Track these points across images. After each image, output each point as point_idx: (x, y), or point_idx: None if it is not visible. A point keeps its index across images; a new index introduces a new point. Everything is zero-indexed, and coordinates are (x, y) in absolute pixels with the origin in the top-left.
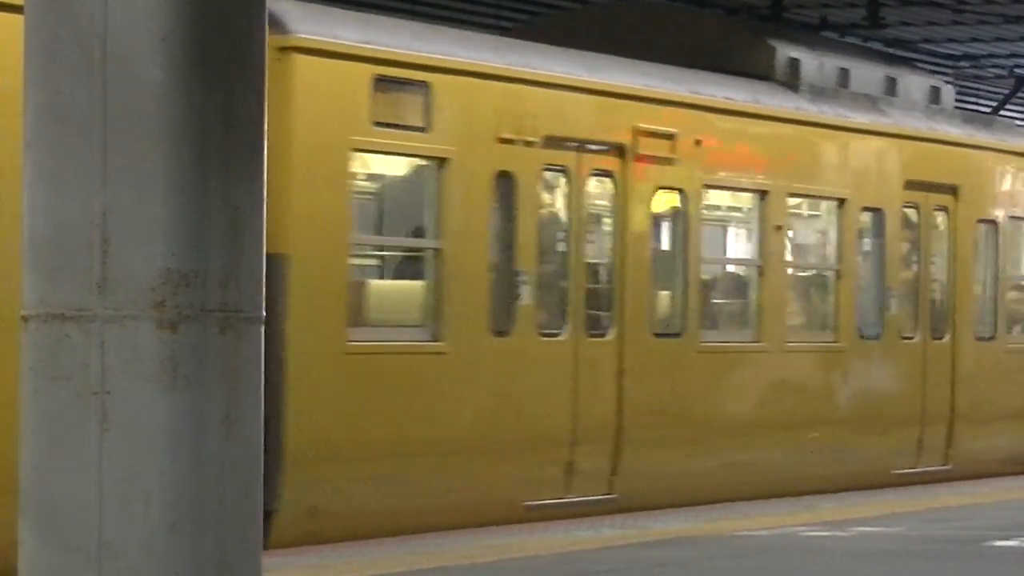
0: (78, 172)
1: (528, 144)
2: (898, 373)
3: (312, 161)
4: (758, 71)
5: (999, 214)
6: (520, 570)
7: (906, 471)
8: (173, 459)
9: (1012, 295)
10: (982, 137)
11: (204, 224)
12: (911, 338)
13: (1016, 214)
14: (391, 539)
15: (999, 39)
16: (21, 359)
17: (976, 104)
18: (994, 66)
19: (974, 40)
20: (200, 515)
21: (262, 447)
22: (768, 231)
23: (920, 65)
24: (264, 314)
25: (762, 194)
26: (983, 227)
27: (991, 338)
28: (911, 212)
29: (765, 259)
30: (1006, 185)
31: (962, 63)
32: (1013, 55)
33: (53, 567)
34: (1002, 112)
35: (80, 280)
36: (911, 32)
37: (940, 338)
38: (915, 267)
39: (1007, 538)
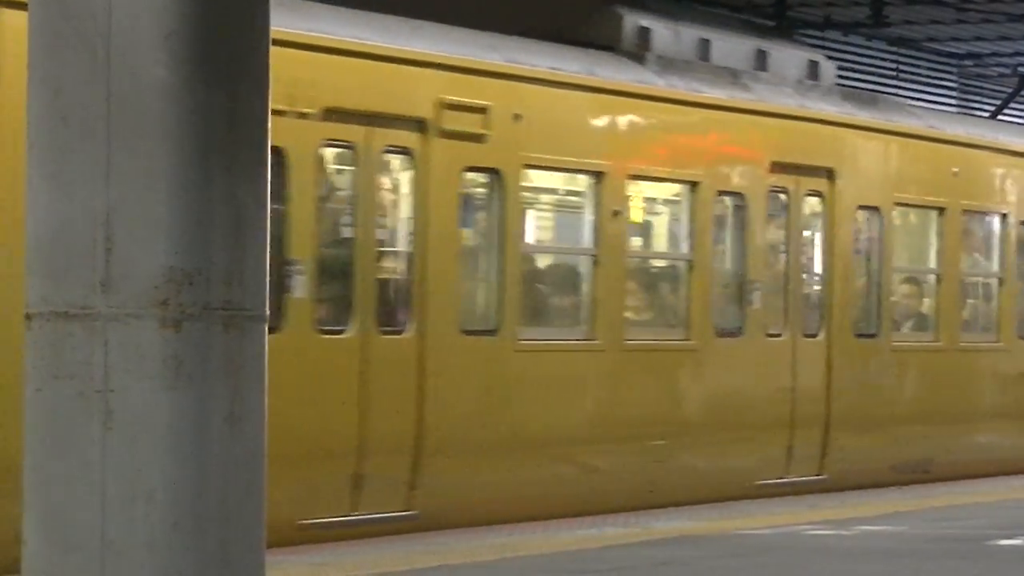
0: (81, 171)
1: (302, 116)
2: (763, 374)
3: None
4: (605, 41)
5: (884, 200)
6: (523, 569)
7: (772, 481)
8: (176, 457)
9: (901, 289)
10: (864, 116)
11: (207, 222)
12: (778, 335)
13: (904, 200)
14: (393, 537)
15: (1003, 38)
16: (24, 357)
17: (980, 103)
18: (998, 65)
19: (978, 39)
20: (203, 513)
21: (265, 445)
22: (604, 216)
23: (923, 63)
24: (268, 312)
25: (597, 175)
26: (864, 214)
27: (874, 336)
28: (779, 197)
29: (601, 247)
30: (892, 168)
31: (966, 62)
32: (1017, 54)
33: (56, 565)
34: (1006, 111)
35: (83, 279)
36: (915, 31)
37: (814, 335)
38: (784, 257)
39: (1010, 537)
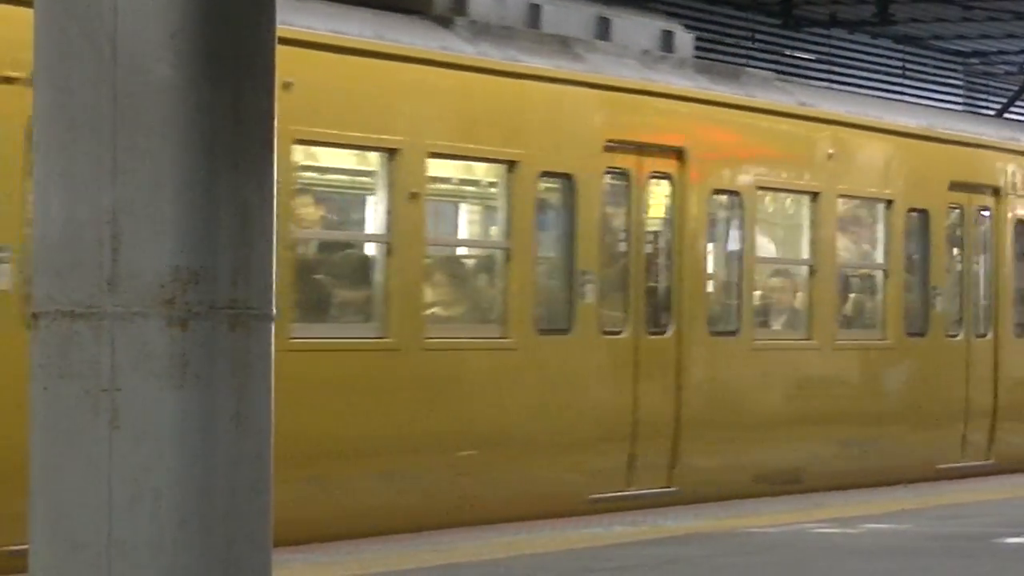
0: (87, 170)
1: (8, 81)
2: (597, 376)
3: None
4: (417, 5)
5: (745, 183)
6: (531, 567)
7: (611, 495)
8: (183, 456)
9: (769, 282)
10: (722, 91)
11: (213, 221)
12: (618, 333)
13: (769, 184)
14: (400, 536)
15: (1009, 35)
16: (30, 356)
17: (986, 101)
18: (1004, 63)
19: (984, 37)
20: (210, 512)
21: (272, 444)
22: (399, 199)
23: (929, 62)
24: (274, 311)
25: (390, 153)
26: (722, 199)
27: (734, 333)
28: (616, 179)
29: (395, 234)
30: (756, 149)
31: (972, 60)
32: (1023, 52)
33: (62, 565)
34: (1012, 109)
35: (90, 278)
36: (921, 29)
37: (660, 333)
38: (623, 246)
39: (1018, 535)
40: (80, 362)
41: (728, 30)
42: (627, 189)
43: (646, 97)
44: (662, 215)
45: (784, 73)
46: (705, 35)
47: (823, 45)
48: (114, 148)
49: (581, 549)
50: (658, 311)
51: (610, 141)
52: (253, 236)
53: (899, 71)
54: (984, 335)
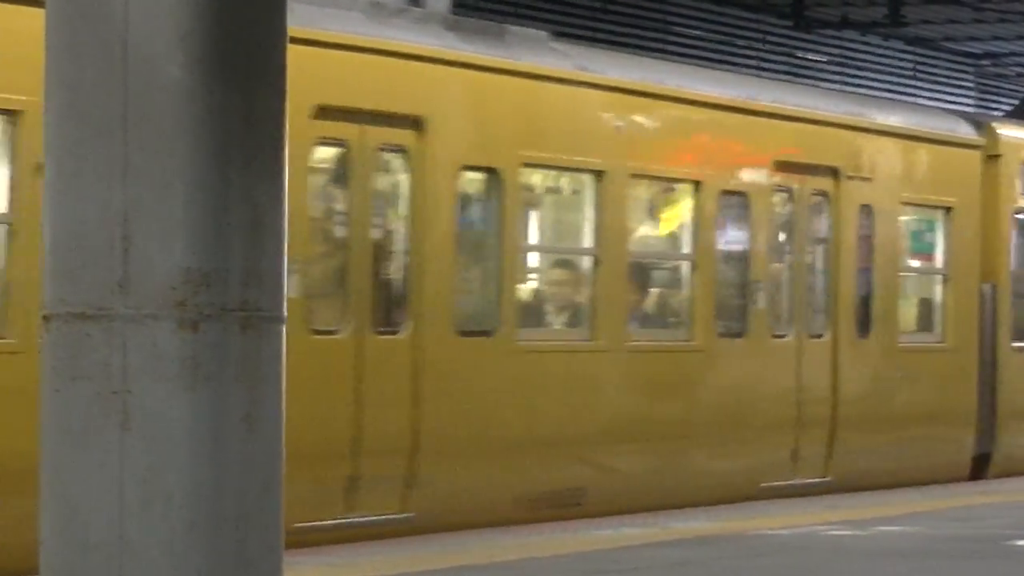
0: (98, 171)
1: None
2: (304, 383)
3: None
4: None
5: (505, 159)
6: (541, 569)
7: (323, 523)
8: (194, 458)
9: (542, 274)
10: (475, 52)
11: (225, 223)
12: (332, 332)
13: (536, 160)
14: (412, 538)
15: (1020, 37)
16: (41, 358)
17: (998, 103)
18: (1016, 64)
19: (995, 38)
20: (220, 514)
21: (283, 446)
22: (24, 172)
23: (941, 63)
24: (285, 313)
25: (10, 115)
26: (475, 177)
27: (489, 333)
28: (331, 153)
29: (18, 213)
30: (521, 120)
31: (983, 61)
32: None
33: (73, 566)
34: None
35: (101, 279)
36: (932, 30)
37: (392, 332)
38: (341, 231)
39: None
40: (91, 364)
41: (739, 32)
42: (346, 163)
43: (371, 56)
44: (396, 194)
45: (795, 74)
46: (716, 36)
47: (834, 47)
48: (125, 149)
49: (592, 552)
50: (389, 306)
51: (321, 107)
52: (264, 238)
53: (910, 73)
54: (820, 336)
